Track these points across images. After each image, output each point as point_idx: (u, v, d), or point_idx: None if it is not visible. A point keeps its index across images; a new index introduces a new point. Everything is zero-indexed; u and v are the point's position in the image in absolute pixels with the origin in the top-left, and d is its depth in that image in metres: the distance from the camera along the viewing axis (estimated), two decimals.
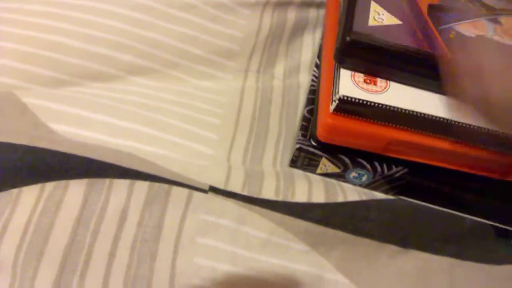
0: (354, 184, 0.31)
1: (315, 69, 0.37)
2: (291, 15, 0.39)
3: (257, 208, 0.28)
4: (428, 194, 0.31)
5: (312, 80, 0.36)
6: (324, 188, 0.30)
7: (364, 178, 0.31)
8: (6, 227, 0.26)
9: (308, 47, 0.40)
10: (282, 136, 0.34)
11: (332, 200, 0.30)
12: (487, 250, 0.31)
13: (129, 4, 0.34)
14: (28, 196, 0.26)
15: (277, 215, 0.28)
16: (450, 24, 0.29)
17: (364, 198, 0.30)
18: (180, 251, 0.26)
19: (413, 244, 0.29)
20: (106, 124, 0.30)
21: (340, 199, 0.30)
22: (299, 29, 0.40)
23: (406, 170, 0.30)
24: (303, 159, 0.31)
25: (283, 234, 0.28)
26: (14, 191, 0.26)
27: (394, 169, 0.30)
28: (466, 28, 0.28)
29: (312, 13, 0.41)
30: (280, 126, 0.34)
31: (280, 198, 0.29)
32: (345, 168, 0.30)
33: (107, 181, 0.26)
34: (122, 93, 0.31)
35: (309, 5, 0.41)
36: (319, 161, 0.31)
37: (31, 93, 0.31)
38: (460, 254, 0.30)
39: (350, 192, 0.30)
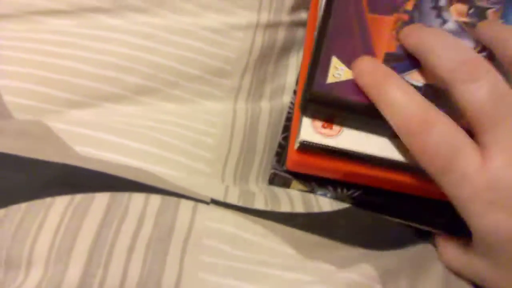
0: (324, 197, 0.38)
1: (293, 95, 0.40)
2: (281, 35, 0.42)
3: (251, 216, 0.33)
4: (379, 207, 0.36)
5: (289, 107, 0.40)
6: (302, 201, 0.35)
7: (329, 195, 0.37)
8: (41, 227, 0.30)
9: (293, 67, 0.44)
10: (266, 155, 0.39)
11: (309, 210, 0.35)
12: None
13: (134, 32, 0.38)
14: (60, 204, 0.31)
15: (268, 222, 0.33)
16: (403, 74, 0.31)
17: (334, 208, 0.35)
18: (188, 250, 0.31)
19: (374, 246, 0.34)
20: (123, 146, 0.35)
21: (316, 209, 0.35)
22: (286, 50, 0.43)
23: (361, 191, 0.36)
24: (278, 180, 0.37)
25: (274, 238, 0.32)
26: (48, 199, 0.31)
27: (351, 190, 0.36)
28: (415, 78, 0.31)
29: (300, 32, 0.44)
30: (264, 146, 0.39)
31: (269, 208, 0.34)
32: (313, 189, 0.37)
33: (126, 194, 0.32)
34: (131, 117, 0.37)
35: (298, 24, 0.44)
36: (291, 183, 0.37)
37: (54, 117, 0.35)
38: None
39: (323, 204, 0.35)
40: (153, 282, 0.29)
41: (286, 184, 0.37)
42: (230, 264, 0.31)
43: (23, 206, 0.31)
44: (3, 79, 0.36)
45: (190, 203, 0.33)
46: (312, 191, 0.37)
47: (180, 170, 0.36)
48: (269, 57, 0.42)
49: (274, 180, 0.37)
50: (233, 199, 0.34)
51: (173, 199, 0.33)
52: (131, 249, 0.30)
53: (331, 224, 0.34)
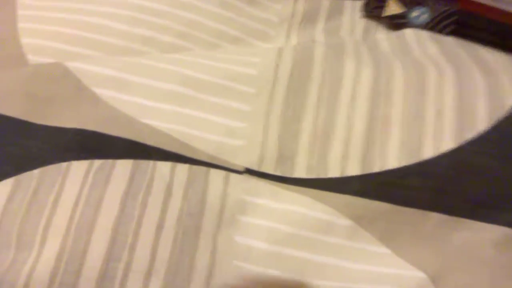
0: (414, 26, 0.34)
1: None
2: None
3: (291, 186, 0.29)
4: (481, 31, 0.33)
5: None
6: (360, 157, 0.30)
7: (423, 18, 0.33)
8: (58, 199, 0.28)
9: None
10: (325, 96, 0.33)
11: (367, 170, 0.29)
12: None
13: None
14: (77, 170, 0.28)
15: (313, 191, 0.29)
16: None
17: (403, 163, 0.29)
18: (222, 228, 0.28)
19: (462, 212, 0.28)
20: (149, 90, 0.31)
21: (376, 168, 0.29)
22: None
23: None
24: (372, 3, 0.34)
25: (323, 208, 0.28)
26: (64, 164, 0.28)
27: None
28: None
29: None
30: (321, 85, 0.33)
31: (313, 176, 0.30)
32: (409, 9, 0.33)
33: (151, 162, 0.29)
34: (159, 69, 0.33)
35: None
36: (386, 2, 0.34)
37: (74, 57, 0.33)
38: None
39: (388, 159, 0.29)
40: (184, 267, 0.27)
41: (380, 6, 0.34)
42: (267, 248, 0.27)
43: (36, 172, 0.28)
44: (22, 23, 0.34)
45: (221, 173, 0.30)
46: (406, 13, 0.33)
47: (210, 130, 0.31)
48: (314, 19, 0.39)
49: (370, 2, 0.35)
50: (269, 166, 0.30)
51: (202, 169, 0.30)
52: (159, 226, 0.27)
53: (397, 185, 0.29)
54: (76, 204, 0.27)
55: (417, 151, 0.30)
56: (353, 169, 0.29)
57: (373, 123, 0.31)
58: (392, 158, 0.29)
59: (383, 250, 0.28)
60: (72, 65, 0.32)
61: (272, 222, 0.28)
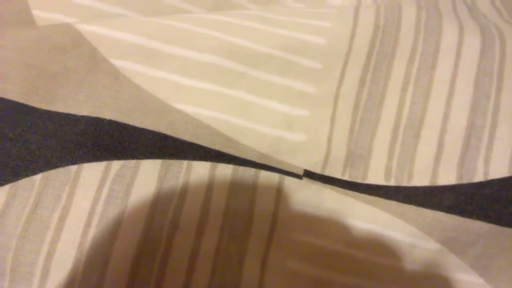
0: None
1: None
2: None
3: (363, 195, 0.24)
4: None
5: None
6: (456, 164, 0.24)
7: None
8: (65, 217, 0.21)
9: None
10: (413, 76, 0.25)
11: (466, 180, 0.23)
12: None
13: None
14: (90, 175, 0.22)
15: (391, 203, 0.23)
16: None
17: None
18: (272, 251, 0.22)
19: None
20: (182, 60, 0.24)
21: (479, 177, 0.23)
22: None
23: None
24: None
25: (403, 227, 0.23)
26: (73, 168, 0.22)
27: None
28: None
29: None
30: (411, 60, 0.26)
31: (392, 182, 0.24)
32: None
33: (184, 163, 0.23)
34: (199, 35, 0.25)
35: None
36: None
37: (89, 14, 0.26)
38: None
39: (494, 166, 0.23)
40: None
41: None
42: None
43: (36, 179, 0.22)
44: None
45: (274, 177, 0.23)
46: None
47: (266, 122, 0.24)
48: None
49: None
50: (336, 168, 0.24)
51: (249, 171, 0.23)
52: (193, 255, 0.22)
53: (504, 200, 0.23)
54: (87, 224, 0.21)
55: None
56: (447, 177, 0.23)
57: (478, 115, 0.24)
58: (500, 164, 0.23)
59: (475, 279, 0.23)
60: (86, 28, 0.24)
61: (335, 243, 0.23)
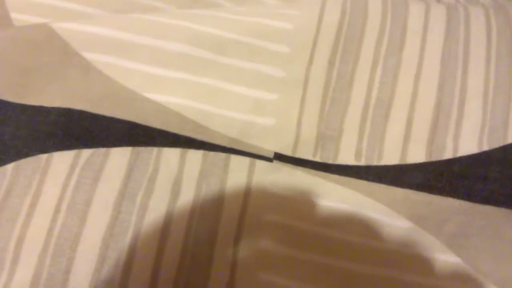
0: None
1: None
2: None
3: (334, 176, 0.24)
4: None
5: None
6: (425, 142, 0.24)
7: None
8: (35, 204, 0.22)
9: None
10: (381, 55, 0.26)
11: (436, 157, 0.23)
12: None
13: None
14: (60, 163, 0.23)
15: (362, 183, 0.23)
16: None
17: (484, 148, 0.23)
18: (244, 234, 0.23)
19: None
20: (152, 50, 0.25)
21: (448, 155, 0.23)
22: None
23: None
24: None
25: (374, 206, 0.23)
26: (43, 156, 0.23)
27: None
28: None
29: None
30: (379, 41, 0.26)
31: (362, 162, 0.24)
32: None
33: (155, 150, 0.23)
34: (169, 26, 0.26)
35: None
36: None
37: (64, 14, 0.27)
38: None
39: (463, 143, 0.23)
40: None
41: None
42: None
43: (8, 168, 0.23)
44: None
45: (244, 161, 0.24)
46: None
47: (234, 107, 0.24)
48: None
49: None
50: (307, 150, 0.24)
51: (220, 156, 0.24)
52: (163, 237, 0.22)
53: (473, 176, 0.23)
54: (57, 210, 0.22)
55: (503, 132, 0.24)
56: (417, 155, 0.23)
57: (446, 93, 0.24)
58: (469, 142, 0.23)
59: (451, 258, 0.22)
60: (59, 26, 0.25)
61: (310, 224, 0.23)
